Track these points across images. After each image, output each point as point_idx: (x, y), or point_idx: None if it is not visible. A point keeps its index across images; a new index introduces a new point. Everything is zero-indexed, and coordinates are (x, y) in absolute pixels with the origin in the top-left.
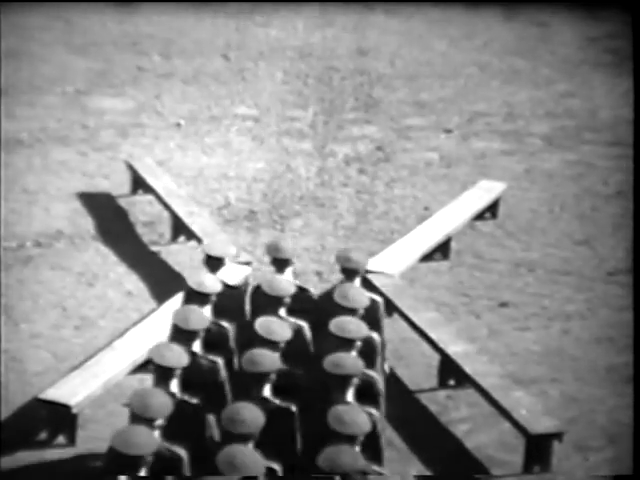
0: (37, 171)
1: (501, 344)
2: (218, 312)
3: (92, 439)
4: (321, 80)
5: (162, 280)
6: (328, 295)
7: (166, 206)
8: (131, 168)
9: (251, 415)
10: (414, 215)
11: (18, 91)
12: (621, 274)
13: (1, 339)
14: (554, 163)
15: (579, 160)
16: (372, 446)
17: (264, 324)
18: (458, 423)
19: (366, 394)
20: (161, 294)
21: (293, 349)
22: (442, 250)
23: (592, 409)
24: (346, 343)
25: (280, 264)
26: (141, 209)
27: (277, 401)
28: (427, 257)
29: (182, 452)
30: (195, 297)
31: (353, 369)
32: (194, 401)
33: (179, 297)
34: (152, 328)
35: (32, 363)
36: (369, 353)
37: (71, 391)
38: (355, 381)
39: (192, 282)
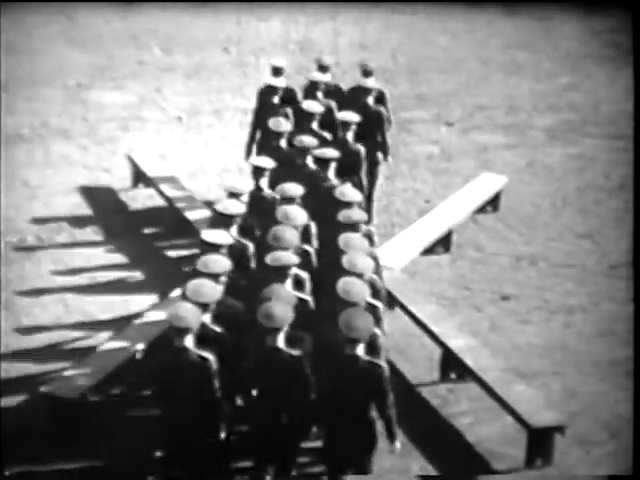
0: (38, 165)
1: (503, 338)
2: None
3: (93, 432)
4: None
5: (163, 274)
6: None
7: (167, 200)
8: (132, 162)
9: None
10: (415, 208)
11: (19, 85)
12: (623, 267)
13: (2, 334)
14: (556, 156)
15: (581, 153)
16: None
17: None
18: (460, 417)
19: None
20: (162, 288)
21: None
22: (443, 243)
23: (594, 403)
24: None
25: (323, 69)
26: (142, 203)
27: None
28: (428, 250)
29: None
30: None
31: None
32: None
33: (179, 293)
34: (152, 321)
35: (33, 358)
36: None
37: (73, 385)
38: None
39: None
